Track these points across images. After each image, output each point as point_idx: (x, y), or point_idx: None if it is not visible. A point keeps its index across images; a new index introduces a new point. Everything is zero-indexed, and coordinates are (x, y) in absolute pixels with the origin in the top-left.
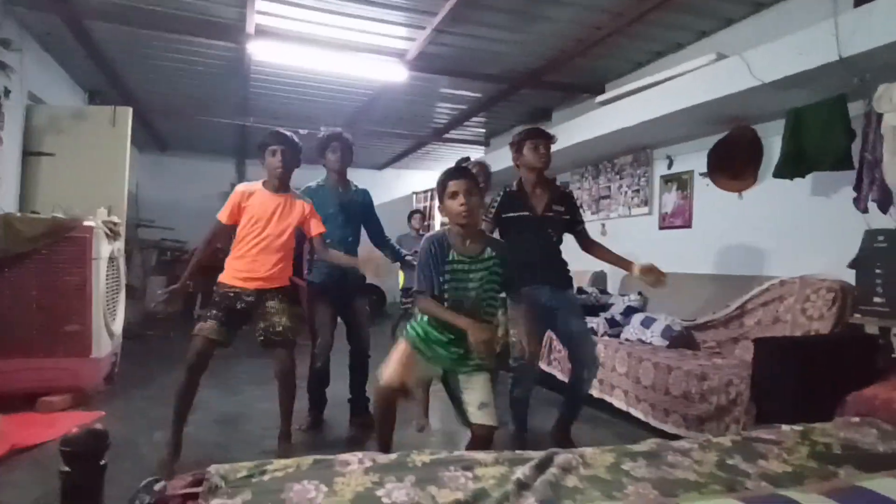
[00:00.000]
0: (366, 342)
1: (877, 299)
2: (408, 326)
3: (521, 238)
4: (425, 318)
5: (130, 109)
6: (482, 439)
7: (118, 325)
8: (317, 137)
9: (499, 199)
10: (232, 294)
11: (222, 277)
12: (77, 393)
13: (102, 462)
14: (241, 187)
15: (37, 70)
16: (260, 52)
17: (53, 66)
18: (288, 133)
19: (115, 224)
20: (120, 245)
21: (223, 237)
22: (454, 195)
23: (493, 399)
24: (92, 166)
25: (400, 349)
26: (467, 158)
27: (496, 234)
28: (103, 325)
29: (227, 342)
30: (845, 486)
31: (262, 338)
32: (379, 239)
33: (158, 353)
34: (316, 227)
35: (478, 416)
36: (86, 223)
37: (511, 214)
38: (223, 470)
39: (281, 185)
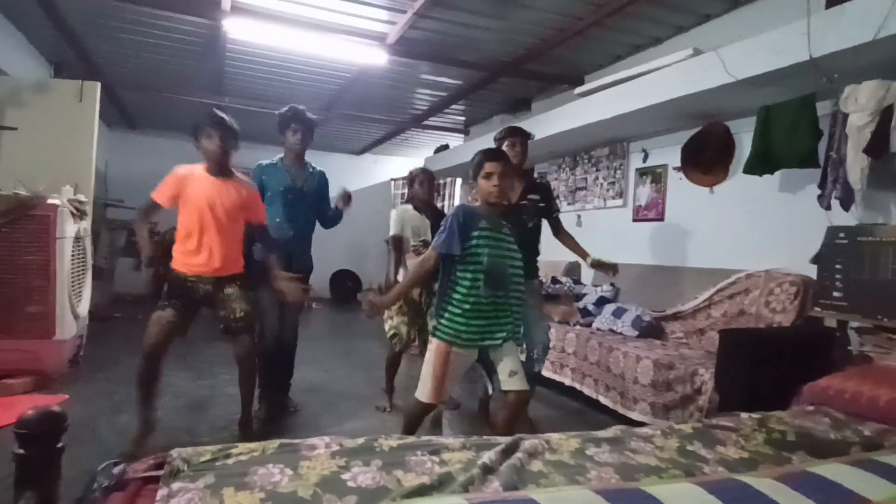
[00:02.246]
0: (292, 336)
1: (836, 294)
2: (438, 325)
3: None
4: (466, 304)
5: (99, 84)
6: (516, 404)
7: (84, 307)
8: (277, 113)
9: None
10: (189, 284)
11: (174, 265)
12: (40, 376)
13: (59, 444)
14: (180, 170)
15: None
16: (236, 29)
17: (17, 35)
18: (226, 115)
19: (81, 203)
20: (86, 224)
21: (153, 212)
22: (489, 175)
23: (521, 366)
24: (57, 142)
25: (436, 357)
26: (446, 146)
27: None
28: (68, 306)
29: (184, 331)
30: (797, 472)
31: (223, 326)
32: (328, 224)
33: (125, 336)
34: (258, 215)
35: (509, 384)
36: (50, 201)
37: None
38: (186, 453)
39: (222, 168)
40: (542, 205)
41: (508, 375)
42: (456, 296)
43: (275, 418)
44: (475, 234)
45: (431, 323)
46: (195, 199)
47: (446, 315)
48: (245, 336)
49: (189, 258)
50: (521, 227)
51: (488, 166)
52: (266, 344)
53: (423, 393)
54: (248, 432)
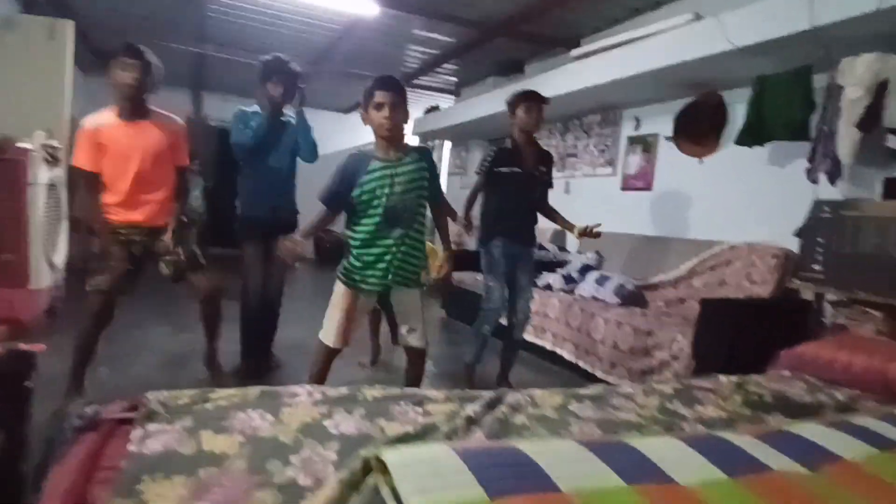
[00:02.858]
0: (277, 291)
1: (815, 266)
2: (341, 269)
3: (507, 192)
4: (356, 242)
5: (72, 23)
6: (414, 360)
7: (59, 258)
8: (260, 60)
9: (492, 154)
10: (123, 239)
11: (106, 217)
12: (15, 325)
13: (27, 383)
14: (88, 124)
15: None
16: None
17: None
18: (141, 47)
19: (54, 148)
20: (60, 172)
21: (96, 184)
22: (380, 106)
23: (422, 320)
24: (27, 84)
25: (338, 298)
26: (436, 107)
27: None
28: (42, 255)
29: (130, 290)
30: (774, 431)
31: (170, 271)
32: (307, 154)
33: None
34: (180, 157)
35: (407, 339)
36: (21, 145)
37: (503, 170)
38: (162, 396)
39: (136, 108)
40: (546, 177)
41: (407, 332)
42: (355, 240)
43: (256, 374)
44: (365, 178)
45: None
46: (112, 149)
47: (350, 259)
48: (197, 275)
49: (119, 212)
50: (527, 198)
51: (379, 95)
52: (249, 300)
53: (327, 336)
54: (215, 369)
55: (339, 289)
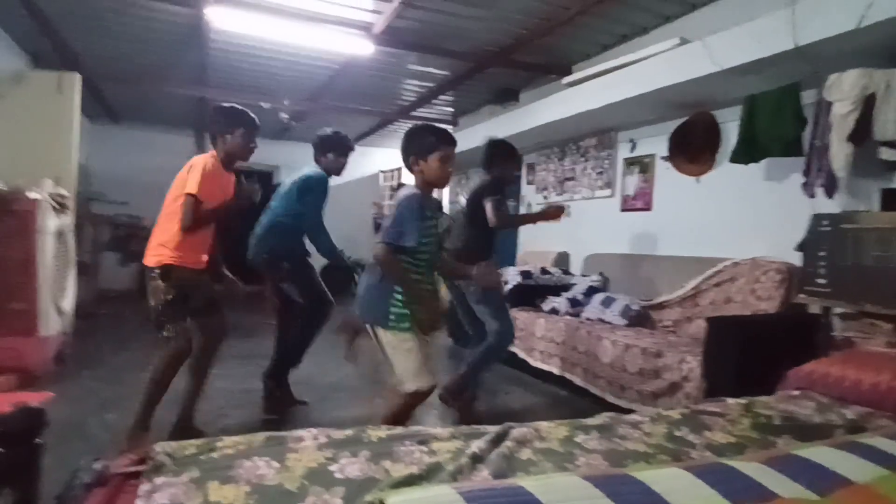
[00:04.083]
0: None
1: (820, 280)
2: (392, 314)
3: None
4: (396, 291)
5: (78, 75)
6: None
7: (68, 303)
8: (331, 133)
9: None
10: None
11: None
12: (23, 373)
13: (39, 441)
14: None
15: None
16: (219, 18)
17: None
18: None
19: (62, 197)
20: (68, 219)
21: None
22: (447, 160)
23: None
24: (36, 135)
25: (407, 345)
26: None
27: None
28: (51, 302)
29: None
30: (782, 455)
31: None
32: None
33: (111, 333)
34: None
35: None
36: (30, 195)
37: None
38: (169, 447)
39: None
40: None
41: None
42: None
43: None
44: (425, 223)
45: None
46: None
47: (397, 305)
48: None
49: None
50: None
51: (447, 150)
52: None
53: (418, 381)
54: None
55: (402, 336)
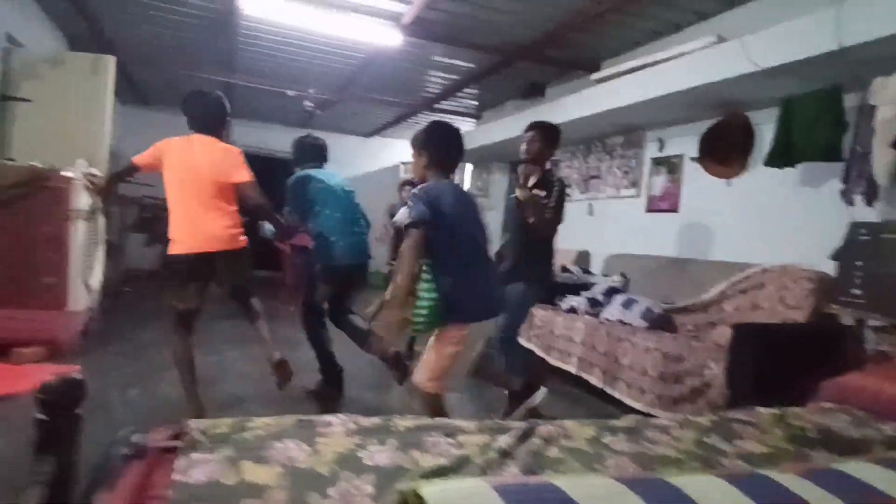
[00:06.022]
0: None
1: (855, 291)
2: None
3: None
4: (432, 290)
5: (113, 58)
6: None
7: (96, 281)
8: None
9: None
10: None
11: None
12: (52, 346)
13: (78, 411)
14: None
15: (15, 10)
16: (250, 5)
17: (33, 6)
18: None
19: (95, 177)
20: (99, 199)
21: None
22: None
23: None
24: (71, 115)
25: (457, 336)
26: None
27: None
28: (80, 278)
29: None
30: (820, 468)
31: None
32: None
33: (135, 311)
34: None
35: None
36: (65, 174)
37: None
38: (203, 425)
39: None
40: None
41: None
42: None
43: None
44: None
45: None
46: None
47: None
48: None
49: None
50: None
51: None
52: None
53: (428, 382)
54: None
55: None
